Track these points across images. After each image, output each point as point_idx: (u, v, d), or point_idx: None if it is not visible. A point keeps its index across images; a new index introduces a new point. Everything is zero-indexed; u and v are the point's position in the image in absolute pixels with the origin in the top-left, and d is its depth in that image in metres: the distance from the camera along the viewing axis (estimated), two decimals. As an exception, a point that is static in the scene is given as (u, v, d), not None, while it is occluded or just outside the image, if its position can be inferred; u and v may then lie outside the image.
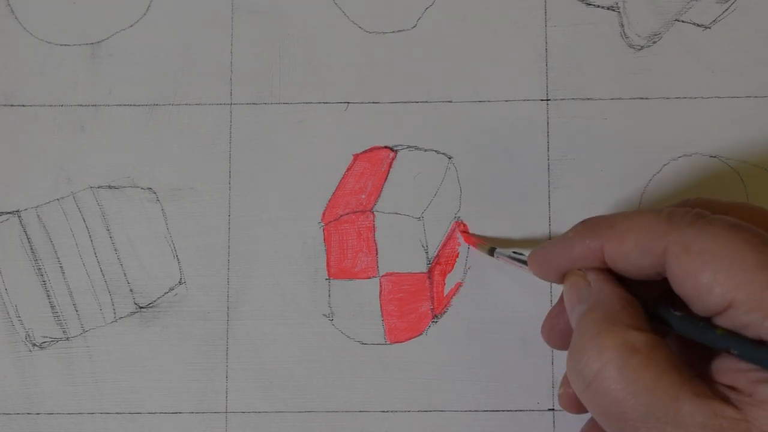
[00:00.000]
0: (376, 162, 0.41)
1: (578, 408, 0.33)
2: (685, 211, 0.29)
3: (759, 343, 0.27)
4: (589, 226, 0.31)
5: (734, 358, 0.28)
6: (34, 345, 0.40)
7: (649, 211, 0.30)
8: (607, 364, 0.27)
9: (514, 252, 0.37)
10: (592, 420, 0.34)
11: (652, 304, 0.30)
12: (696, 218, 0.28)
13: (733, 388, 0.27)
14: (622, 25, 0.41)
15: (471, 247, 0.40)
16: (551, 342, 0.35)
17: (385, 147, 0.41)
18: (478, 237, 0.40)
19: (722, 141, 0.40)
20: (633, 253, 0.29)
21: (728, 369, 0.28)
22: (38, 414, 0.39)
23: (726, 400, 0.27)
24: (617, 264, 0.30)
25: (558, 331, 0.34)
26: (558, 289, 0.38)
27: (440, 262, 0.40)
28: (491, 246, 0.38)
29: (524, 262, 0.35)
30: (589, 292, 0.30)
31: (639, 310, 0.29)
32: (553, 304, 0.39)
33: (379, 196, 0.40)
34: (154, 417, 0.39)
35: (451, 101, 0.41)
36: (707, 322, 0.28)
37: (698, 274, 0.27)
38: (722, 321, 0.27)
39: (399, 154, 0.41)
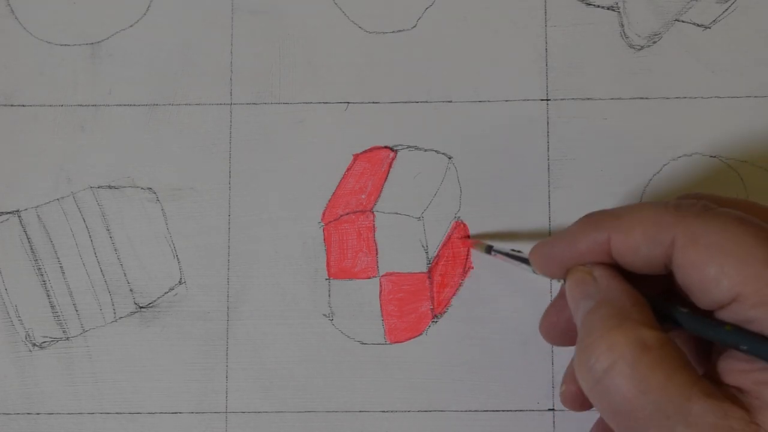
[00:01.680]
0: (376, 162, 0.41)
1: (581, 405, 0.33)
2: (692, 202, 0.29)
3: None
4: (593, 219, 0.31)
5: (738, 358, 0.28)
6: (34, 345, 0.40)
7: (656, 203, 0.30)
8: (619, 361, 0.27)
9: (513, 250, 0.36)
10: (599, 422, 0.34)
11: (659, 301, 0.30)
12: (704, 210, 0.28)
13: (738, 389, 0.27)
14: (622, 25, 0.41)
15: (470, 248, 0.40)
16: (550, 338, 0.35)
17: (385, 147, 0.41)
18: (476, 237, 0.40)
19: (722, 141, 0.40)
20: (642, 245, 0.29)
21: (733, 369, 0.28)
22: (38, 414, 0.39)
23: (735, 401, 0.27)
24: (625, 257, 0.30)
25: (559, 328, 0.34)
26: (558, 287, 0.38)
27: (440, 262, 0.40)
28: (488, 244, 0.38)
29: (523, 260, 0.35)
30: (596, 288, 0.30)
31: (648, 308, 0.29)
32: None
33: (379, 196, 0.40)
34: (154, 417, 0.39)
35: (451, 101, 0.41)
36: (711, 317, 0.28)
37: (705, 266, 0.27)
38: (726, 315, 0.27)
39: (399, 154, 0.41)
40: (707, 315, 0.28)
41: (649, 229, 0.29)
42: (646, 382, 0.27)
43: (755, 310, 0.26)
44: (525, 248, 0.35)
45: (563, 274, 0.32)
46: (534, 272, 0.34)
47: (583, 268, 0.31)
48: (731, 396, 0.27)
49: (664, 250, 0.28)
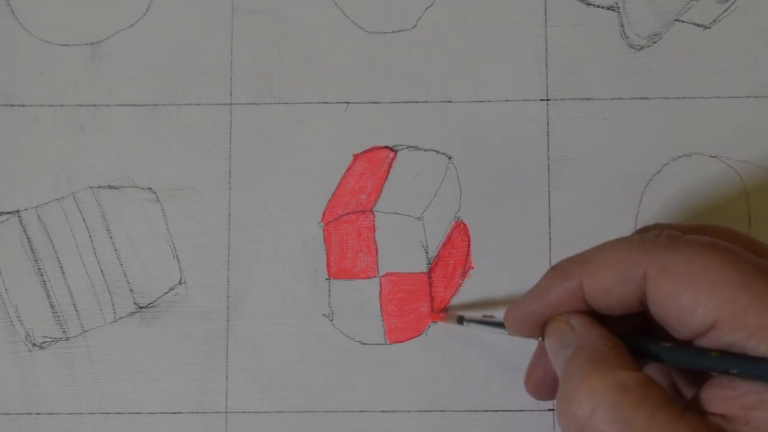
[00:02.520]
0: (376, 162, 0.41)
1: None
2: (656, 234, 0.29)
3: (759, 359, 0.26)
4: (561, 268, 0.31)
5: (722, 386, 0.27)
6: (34, 345, 0.40)
7: (620, 240, 0.29)
8: (600, 406, 0.27)
9: (485, 316, 0.36)
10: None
11: (639, 340, 0.29)
12: (670, 240, 0.28)
13: (725, 417, 0.27)
14: (622, 25, 0.41)
15: (441, 320, 0.40)
16: (539, 395, 0.35)
17: (385, 147, 0.41)
18: (450, 309, 0.39)
19: (722, 141, 0.40)
20: (613, 286, 0.29)
21: (717, 397, 0.27)
22: (38, 414, 0.39)
23: (722, 431, 0.27)
24: (598, 300, 0.30)
25: (546, 384, 0.34)
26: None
27: (440, 262, 0.40)
28: (459, 315, 0.38)
29: (498, 324, 0.35)
30: (573, 336, 0.30)
31: (624, 349, 0.29)
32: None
33: (379, 196, 0.40)
34: (154, 417, 0.39)
35: (451, 101, 0.41)
36: (692, 347, 0.28)
37: (679, 297, 0.27)
38: (705, 343, 0.27)
39: (399, 154, 0.41)
40: (687, 345, 0.28)
41: (619, 269, 0.28)
42: (630, 424, 0.26)
43: (733, 335, 0.26)
44: (494, 310, 0.35)
45: (540, 332, 0.32)
46: (511, 335, 0.33)
47: (560, 317, 0.31)
48: (717, 427, 0.27)
49: (637, 286, 0.28)
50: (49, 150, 0.41)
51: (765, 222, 0.40)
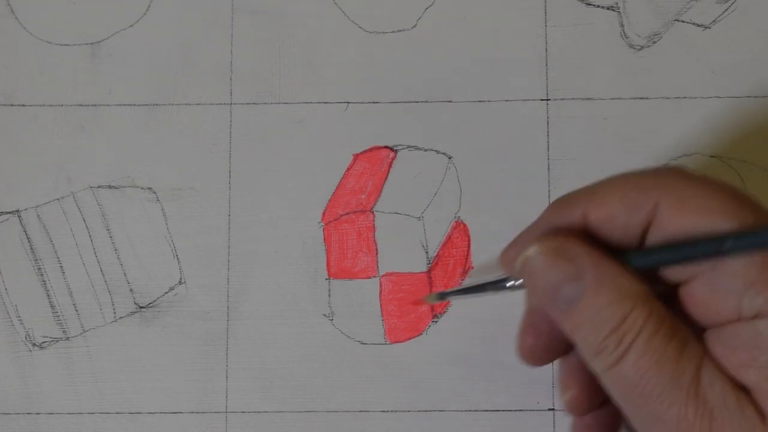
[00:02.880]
0: (376, 162, 0.41)
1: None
2: (671, 167, 0.29)
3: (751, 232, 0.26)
4: (564, 199, 0.29)
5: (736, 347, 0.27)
6: (34, 345, 0.40)
7: (631, 171, 0.29)
8: (637, 339, 0.26)
9: (465, 282, 0.35)
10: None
11: (635, 256, 0.28)
12: (685, 174, 0.28)
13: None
14: (622, 25, 0.41)
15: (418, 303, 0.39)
16: (534, 360, 0.32)
17: (385, 147, 0.41)
18: (422, 300, 0.39)
19: (722, 141, 0.40)
20: (621, 214, 0.28)
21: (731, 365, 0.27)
22: (38, 414, 0.39)
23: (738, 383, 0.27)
24: (601, 230, 0.28)
25: (540, 347, 0.32)
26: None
27: (440, 262, 0.40)
28: (436, 293, 0.36)
29: (485, 286, 0.32)
30: (579, 267, 0.28)
31: (643, 280, 0.28)
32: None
33: (379, 196, 0.40)
34: (154, 417, 0.39)
35: (451, 101, 0.41)
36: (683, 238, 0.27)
37: (695, 228, 0.27)
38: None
39: (399, 154, 0.41)
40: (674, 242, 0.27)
41: (629, 194, 0.28)
42: (661, 354, 0.26)
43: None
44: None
45: None
46: (504, 288, 0.31)
47: (554, 238, 0.28)
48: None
49: (645, 215, 0.28)
50: (49, 150, 0.41)
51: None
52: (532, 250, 0.28)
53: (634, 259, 0.28)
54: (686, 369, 0.26)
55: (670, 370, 0.26)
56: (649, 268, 0.28)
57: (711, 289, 0.27)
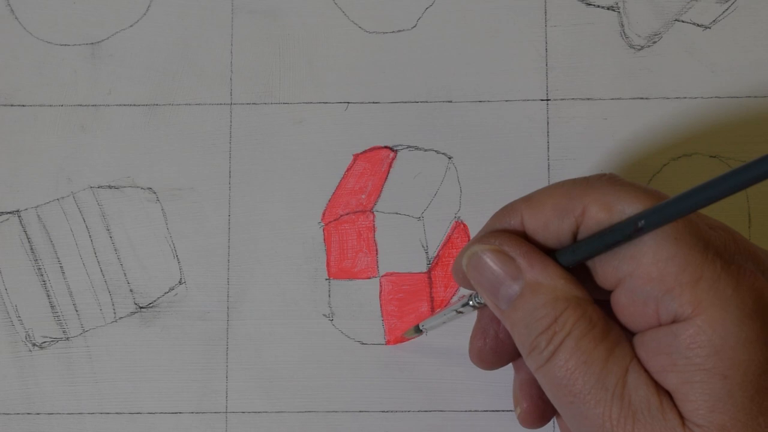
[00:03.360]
0: (376, 162, 0.41)
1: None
2: (599, 175, 0.30)
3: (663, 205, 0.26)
4: (505, 209, 0.31)
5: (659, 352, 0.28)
6: (34, 345, 0.40)
7: (565, 180, 0.30)
8: (567, 338, 0.28)
9: (436, 313, 0.36)
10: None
11: (565, 253, 0.30)
12: (613, 180, 0.29)
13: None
14: (622, 25, 0.41)
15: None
16: (485, 363, 0.34)
17: (385, 147, 0.41)
18: (403, 336, 0.39)
19: (722, 141, 0.40)
20: (552, 219, 0.29)
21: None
22: (38, 414, 0.39)
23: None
24: (536, 236, 0.30)
25: (488, 350, 0.33)
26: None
27: (440, 262, 0.40)
28: (414, 327, 0.38)
29: (454, 312, 0.34)
30: (522, 265, 0.29)
31: (579, 282, 0.29)
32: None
33: (379, 196, 0.40)
34: (154, 417, 0.39)
35: (451, 101, 0.41)
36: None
37: (618, 220, 0.28)
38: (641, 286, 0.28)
39: (399, 154, 0.41)
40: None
41: (560, 201, 0.29)
42: (589, 355, 0.27)
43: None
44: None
45: None
46: (470, 305, 0.33)
47: (496, 237, 0.30)
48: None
49: (573, 220, 0.29)
50: (49, 150, 0.41)
51: (765, 222, 0.40)
52: (476, 247, 0.30)
53: (564, 256, 0.29)
54: (613, 371, 0.27)
55: (598, 371, 0.27)
56: (579, 262, 0.29)
57: (632, 295, 0.28)
